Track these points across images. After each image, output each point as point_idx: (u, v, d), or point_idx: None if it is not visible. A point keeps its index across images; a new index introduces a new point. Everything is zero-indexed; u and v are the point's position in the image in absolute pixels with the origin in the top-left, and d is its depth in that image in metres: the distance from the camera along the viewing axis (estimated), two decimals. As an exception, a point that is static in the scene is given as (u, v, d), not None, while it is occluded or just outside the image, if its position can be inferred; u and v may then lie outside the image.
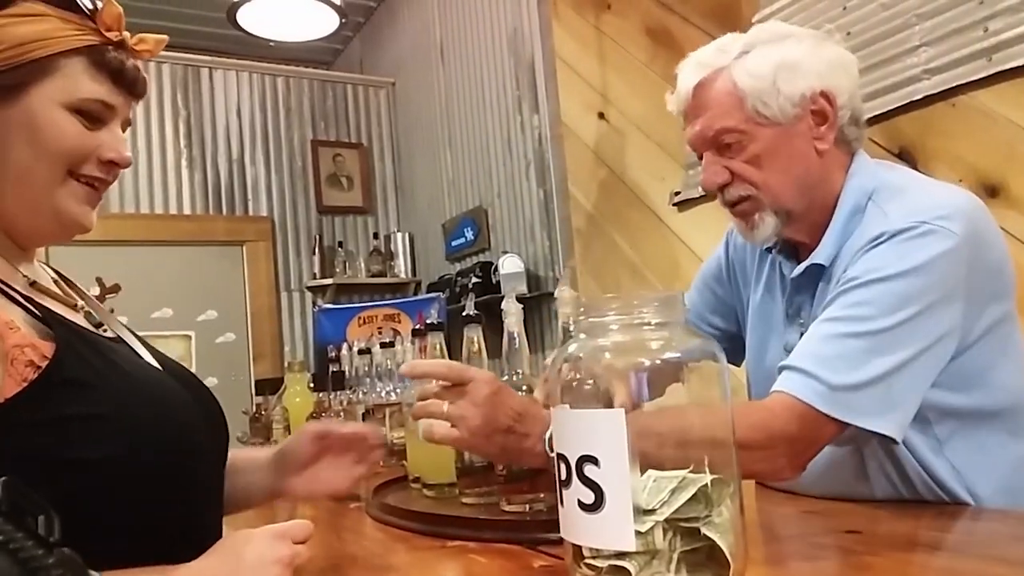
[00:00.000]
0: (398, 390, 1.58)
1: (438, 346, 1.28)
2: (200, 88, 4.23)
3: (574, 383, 0.68)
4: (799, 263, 1.07)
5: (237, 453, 0.96)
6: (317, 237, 4.33)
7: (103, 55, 0.75)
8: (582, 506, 0.62)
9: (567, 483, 0.64)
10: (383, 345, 1.83)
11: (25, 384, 0.63)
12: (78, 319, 0.77)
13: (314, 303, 4.17)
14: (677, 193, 2.58)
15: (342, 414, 1.65)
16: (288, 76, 4.47)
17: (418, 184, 4.43)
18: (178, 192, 4.11)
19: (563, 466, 0.64)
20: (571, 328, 0.78)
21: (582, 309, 0.71)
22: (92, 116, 0.75)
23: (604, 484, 0.61)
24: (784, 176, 1.03)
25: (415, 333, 1.49)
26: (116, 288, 3.96)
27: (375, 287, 4.26)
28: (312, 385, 1.80)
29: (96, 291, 3.91)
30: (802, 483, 1.01)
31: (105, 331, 0.81)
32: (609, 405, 0.63)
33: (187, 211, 4.13)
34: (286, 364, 2.40)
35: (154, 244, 4.04)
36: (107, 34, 0.75)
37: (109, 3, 0.76)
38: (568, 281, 0.90)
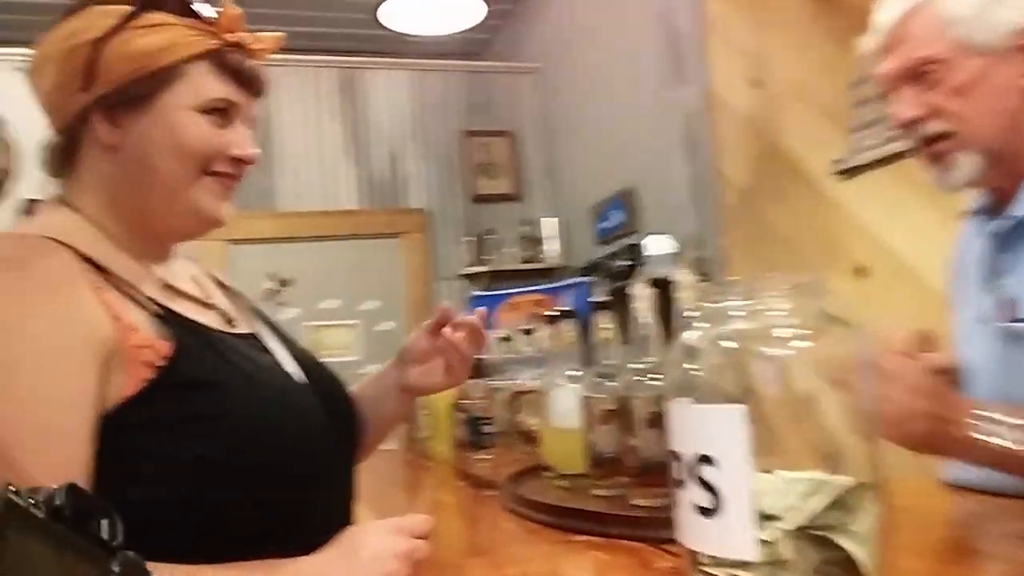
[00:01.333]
0: (536, 377, 1.57)
1: (573, 333, 1.25)
2: (356, 89, 4.43)
3: (690, 375, 0.62)
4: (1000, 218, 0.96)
5: (365, 380, 1.01)
6: (470, 226, 4.42)
7: (224, 57, 0.78)
8: (698, 509, 0.57)
9: (682, 484, 0.59)
10: (523, 332, 1.83)
11: (144, 384, 0.65)
12: (208, 318, 0.80)
13: (468, 291, 4.26)
14: (840, 161, 2.39)
15: (483, 402, 1.66)
16: (436, 70, 4.58)
17: (566, 168, 4.41)
18: (341, 189, 4.33)
19: (677, 465, 0.59)
20: (692, 315, 0.72)
21: (703, 294, 0.66)
22: (219, 116, 0.78)
23: (722, 487, 0.55)
24: (989, 110, 0.94)
25: (548, 320, 1.47)
26: (289, 281, 4.26)
27: (526, 273, 4.29)
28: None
29: (271, 285, 4.22)
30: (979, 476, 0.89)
31: (235, 328, 0.83)
32: (728, 400, 0.58)
33: (349, 206, 4.34)
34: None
35: (321, 239, 4.28)
36: (226, 36, 0.78)
37: (228, 6, 0.79)
38: (690, 263, 0.82)
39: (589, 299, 1.12)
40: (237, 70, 0.79)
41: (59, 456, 0.60)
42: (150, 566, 0.61)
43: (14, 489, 0.26)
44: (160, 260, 0.81)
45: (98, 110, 0.74)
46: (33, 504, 0.27)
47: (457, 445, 1.68)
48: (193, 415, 0.67)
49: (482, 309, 1.02)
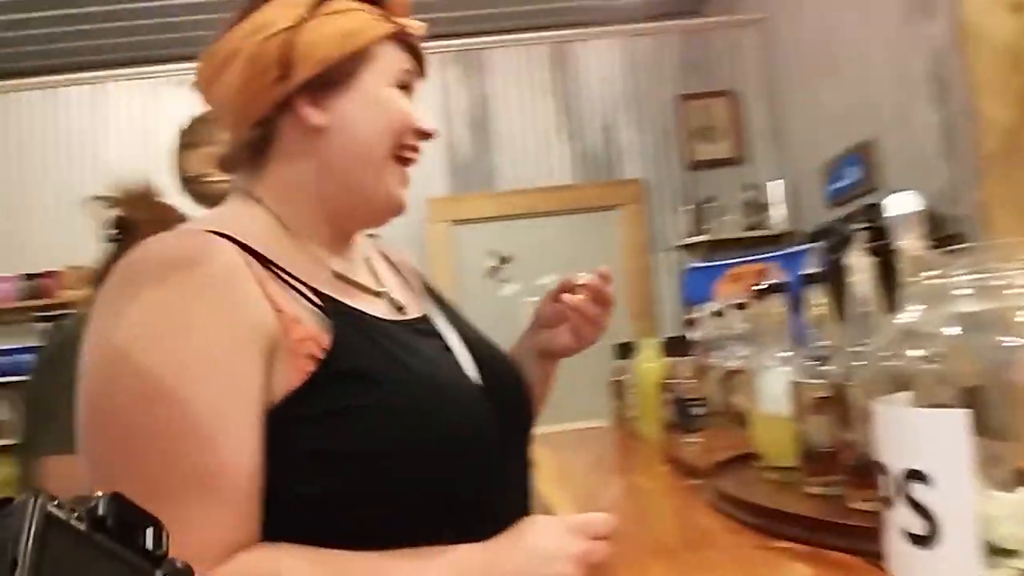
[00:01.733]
0: (748, 354, 1.45)
1: (782, 309, 1.12)
2: (567, 63, 4.40)
3: (901, 369, 0.51)
4: None
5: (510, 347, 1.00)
6: (688, 195, 4.24)
7: (404, 39, 0.81)
8: (908, 537, 0.46)
9: (890, 503, 0.48)
10: (736, 306, 1.70)
11: (306, 377, 0.66)
12: (375, 306, 0.79)
13: (687, 262, 4.10)
14: None
15: (692, 381, 1.56)
16: (649, 34, 4.42)
17: (794, 126, 4.07)
18: (556, 164, 4.35)
19: (884, 479, 0.49)
20: (911, 292, 0.60)
21: (928, 265, 0.54)
22: (404, 89, 0.81)
23: (938, 511, 0.44)
24: None
25: (756, 293, 1.34)
26: (509, 259, 4.37)
27: (749, 241, 4.03)
28: (665, 351, 1.74)
29: (493, 263, 4.35)
30: None
31: (405, 315, 0.83)
32: (948, 402, 0.46)
33: (565, 181, 4.35)
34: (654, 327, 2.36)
35: (539, 215, 4.34)
36: (400, 21, 0.80)
37: None
38: (915, 225, 0.69)
39: (805, 272, 0.99)
40: (416, 50, 0.82)
41: (235, 448, 0.62)
42: (318, 552, 0.63)
43: (54, 500, 0.25)
44: (339, 248, 0.82)
45: (302, 96, 0.76)
46: (74, 515, 0.26)
47: (665, 426, 1.60)
48: (350, 408, 0.66)
49: (604, 268, 0.95)
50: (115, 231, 1.32)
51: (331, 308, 0.71)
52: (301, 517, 0.65)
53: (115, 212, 1.35)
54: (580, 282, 0.94)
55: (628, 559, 0.77)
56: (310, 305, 0.71)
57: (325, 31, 0.75)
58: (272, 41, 0.75)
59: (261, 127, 0.77)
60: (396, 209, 0.82)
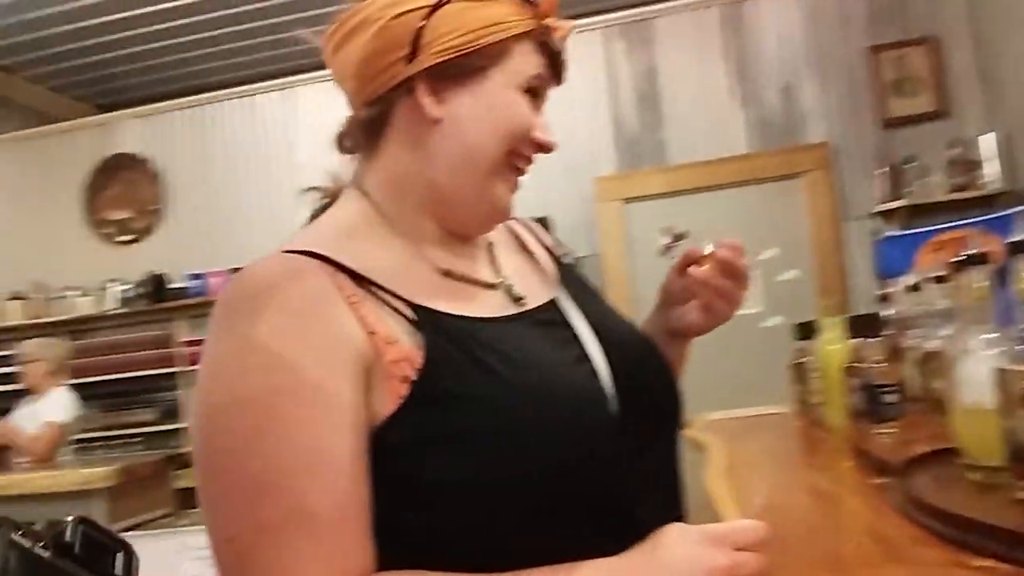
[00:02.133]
0: (949, 334, 1.27)
1: (985, 283, 0.97)
2: (742, 23, 4.15)
3: None
4: None
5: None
6: (882, 156, 3.86)
7: (549, 36, 0.75)
8: None
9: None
10: (935, 279, 1.51)
11: (400, 402, 0.62)
12: (487, 304, 0.74)
13: (883, 230, 3.74)
14: None
15: (883, 365, 1.40)
16: (834, -18, 4.07)
17: (1006, 72, 3.58)
18: (731, 133, 4.13)
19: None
20: None
21: None
22: (533, 98, 0.76)
23: None
24: None
25: (955, 265, 1.16)
26: (684, 235, 4.21)
27: (956, 204, 3.61)
28: (851, 330, 1.57)
29: (667, 240, 4.22)
30: None
31: (524, 305, 0.77)
32: None
33: (740, 151, 4.11)
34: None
35: (714, 189, 4.14)
36: (546, 21, 0.75)
37: None
38: None
39: (1008, 239, 0.84)
40: (555, 54, 0.76)
41: (335, 481, 0.60)
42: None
43: (18, 527, 0.24)
44: (448, 242, 0.77)
45: (424, 81, 0.72)
46: (40, 543, 0.24)
47: (852, 415, 1.45)
48: (445, 434, 0.62)
49: (732, 240, 0.84)
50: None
51: (426, 321, 0.67)
52: (414, 548, 0.62)
53: (325, 202, 1.42)
54: (706, 252, 0.85)
55: (786, 570, 0.69)
56: (404, 321, 0.67)
57: (464, 18, 0.71)
58: (407, 17, 0.71)
59: (377, 106, 0.74)
60: (499, 218, 0.79)
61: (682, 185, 4.15)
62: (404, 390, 0.63)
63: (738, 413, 2.07)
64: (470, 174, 0.74)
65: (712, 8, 4.17)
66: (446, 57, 0.71)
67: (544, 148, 0.76)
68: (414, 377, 0.63)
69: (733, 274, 0.83)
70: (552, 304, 0.79)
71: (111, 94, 5.40)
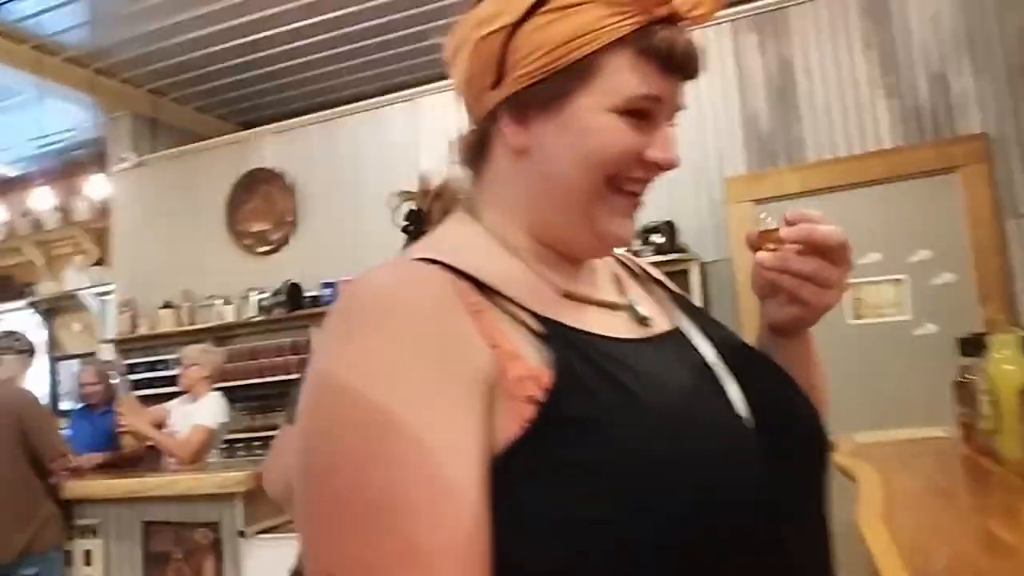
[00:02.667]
0: None
1: None
2: (886, 7, 3.85)
3: None
4: None
5: None
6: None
7: (650, 39, 0.63)
8: None
9: None
10: None
11: (526, 424, 0.55)
12: (614, 325, 0.67)
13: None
14: None
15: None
16: (991, -43, 3.70)
17: None
18: (874, 127, 3.84)
19: None
20: None
21: None
22: (639, 114, 0.64)
23: None
24: None
25: None
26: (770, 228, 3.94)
27: None
28: (1027, 347, 1.38)
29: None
30: None
31: (650, 329, 0.69)
32: None
33: (885, 145, 3.81)
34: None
35: (855, 187, 3.86)
36: (654, 10, 0.63)
37: None
38: None
39: None
40: (667, 53, 0.63)
41: (455, 514, 0.53)
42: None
43: None
44: (567, 267, 0.70)
45: (507, 109, 0.66)
46: None
47: (1033, 446, 1.27)
48: (571, 463, 0.54)
49: (799, 211, 0.68)
50: (407, 223, 1.37)
51: (555, 335, 0.60)
52: None
53: (409, 205, 1.41)
54: (766, 228, 0.70)
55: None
56: (531, 334, 0.61)
57: (547, 34, 0.63)
58: (492, 39, 0.65)
59: (478, 131, 0.70)
60: (610, 246, 0.70)
61: (820, 183, 3.89)
62: (530, 412, 0.56)
63: (891, 436, 1.87)
64: (564, 205, 0.66)
65: (851, -5, 3.89)
66: (524, 84, 0.64)
67: (662, 167, 0.66)
68: (542, 397, 0.56)
69: (817, 251, 0.68)
70: (677, 331, 0.71)
71: (250, 112, 5.71)
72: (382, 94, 4.87)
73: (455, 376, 0.56)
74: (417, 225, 1.44)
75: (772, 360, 0.72)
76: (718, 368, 0.66)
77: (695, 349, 0.69)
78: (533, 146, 0.66)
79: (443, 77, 0.77)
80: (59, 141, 5.90)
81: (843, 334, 3.60)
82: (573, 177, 0.65)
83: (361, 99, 4.94)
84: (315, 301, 4.81)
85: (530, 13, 0.63)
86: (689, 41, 0.64)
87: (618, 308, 0.70)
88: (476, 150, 0.71)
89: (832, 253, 0.68)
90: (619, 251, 0.81)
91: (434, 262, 0.61)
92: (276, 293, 4.92)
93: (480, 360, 0.57)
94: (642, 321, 0.70)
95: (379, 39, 4.74)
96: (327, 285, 4.78)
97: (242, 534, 2.96)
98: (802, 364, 0.76)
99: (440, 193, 1.44)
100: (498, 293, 0.62)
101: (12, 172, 6.38)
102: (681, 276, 3.85)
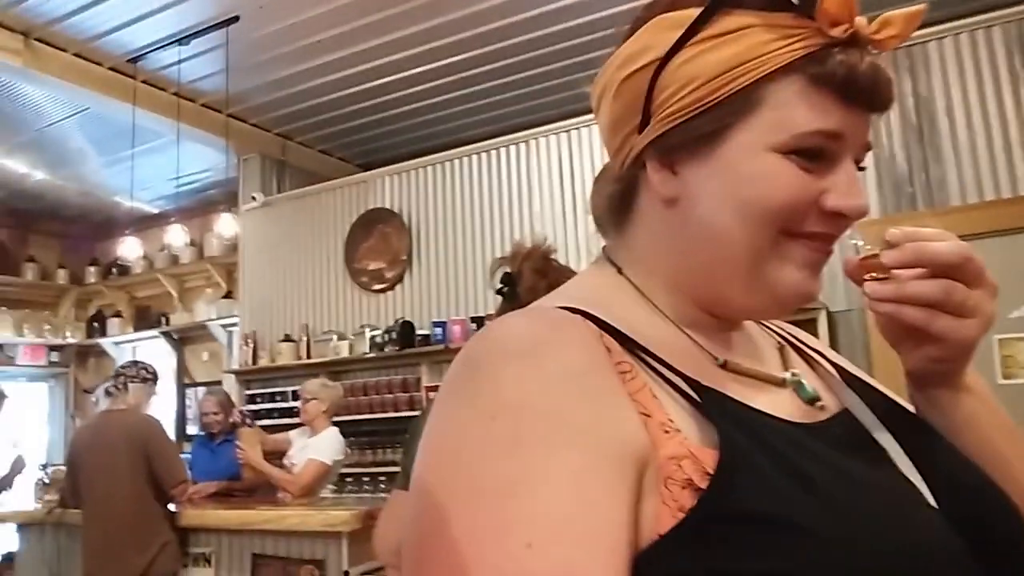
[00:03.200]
0: None
1: None
2: (1038, 39, 3.54)
3: None
4: None
5: None
6: None
7: (825, 63, 0.53)
8: None
9: None
10: None
11: (681, 516, 0.45)
12: (778, 404, 0.57)
13: None
14: None
15: None
16: None
17: None
18: (1026, 168, 3.51)
19: None
20: None
21: None
22: (813, 153, 0.54)
23: None
24: None
25: None
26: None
27: None
28: None
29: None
30: None
31: (819, 413, 0.59)
32: None
33: (1041, 188, 3.48)
34: None
35: (1005, 233, 3.53)
36: (831, 31, 0.53)
37: None
38: None
39: None
40: (847, 80, 0.53)
41: None
42: None
43: None
44: (722, 334, 0.62)
45: (654, 154, 0.58)
46: None
47: None
48: (745, 570, 0.43)
49: (903, 230, 0.55)
50: (502, 285, 1.33)
51: (718, 408, 0.51)
52: None
53: (504, 269, 1.38)
54: (866, 255, 0.56)
55: None
56: (688, 404, 0.51)
57: (699, 66, 0.54)
58: (637, 78, 0.57)
59: (623, 181, 0.62)
60: (793, 301, 0.57)
61: (964, 229, 3.52)
62: (688, 500, 0.46)
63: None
64: (724, 260, 0.56)
65: (994, 27, 3.60)
66: (674, 123, 0.55)
67: (847, 216, 0.55)
68: (702, 484, 0.46)
69: (941, 274, 0.54)
70: (846, 413, 0.60)
71: (370, 154, 5.89)
72: (495, 136, 4.90)
73: (604, 450, 0.46)
74: (511, 287, 1.39)
75: (962, 455, 0.58)
76: (906, 466, 0.55)
77: (869, 433, 0.58)
78: (684, 195, 0.57)
79: (554, 120, 0.69)
80: (195, 181, 6.28)
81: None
82: (734, 231, 0.55)
83: (474, 141, 4.99)
84: (426, 340, 4.85)
85: (680, 44, 0.55)
86: (875, 66, 0.53)
87: (784, 385, 0.60)
88: (621, 201, 0.63)
89: (959, 272, 0.54)
90: (775, 321, 0.70)
91: (577, 311, 0.53)
92: (388, 330, 4.99)
93: (631, 432, 0.48)
94: (811, 401, 0.59)
95: (491, 83, 4.79)
96: (437, 324, 4.81)
97: (347, 574, 2.95)
98: (974, 425, 0.61)
99: (530, 255, 1.37)
100: (649, 353, 0.53)
101: (153, 209, 6.82)
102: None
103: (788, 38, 0.53)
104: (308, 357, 5.31)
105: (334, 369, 5.17)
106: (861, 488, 0.50)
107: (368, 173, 5.41)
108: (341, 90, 4.90)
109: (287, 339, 5.40)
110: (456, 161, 4.98)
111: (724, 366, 0.58)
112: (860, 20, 0.53)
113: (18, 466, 4.09)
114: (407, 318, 4.96)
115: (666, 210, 0.59)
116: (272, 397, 5.42)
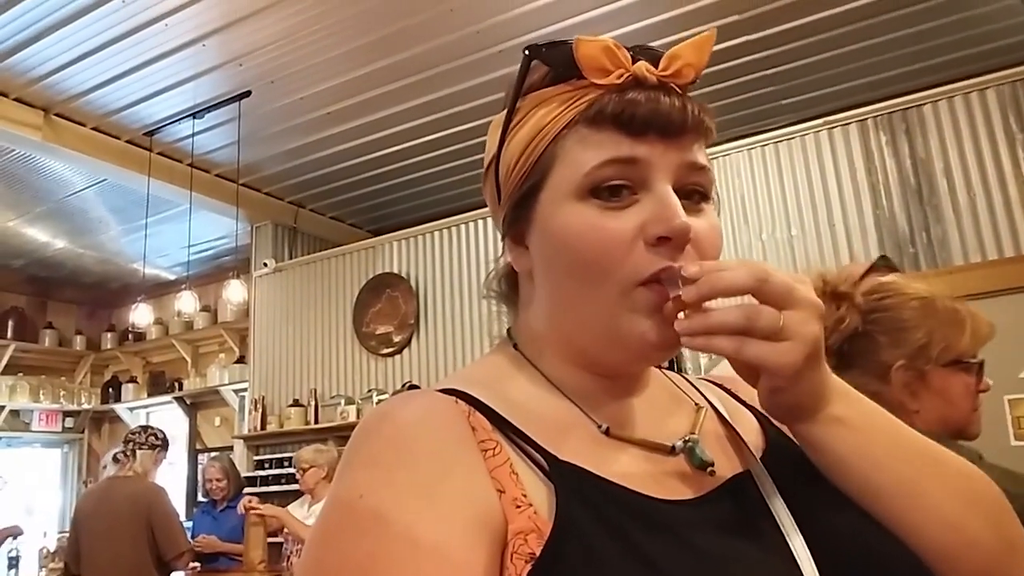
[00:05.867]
0: None
1: None
2: (1031, 101, 3.57)
3: None
4: None
5: None
6: None
7: (599, 107, 0.56)
8: None
9: None
10: None
11: None
12: (662, 471, 0.57)
13: None
14: None
15: None
16: None
17: None
18: (1028, 228, 3.50)
19: None
20: None
21: None
22: (612, 190, 0.55)
23: None
24: None
25: None
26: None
27: None
28: None
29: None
30: None
31: (712, 474, 0.58)
32: None
33: (1043, 247, 3.46)
34: None
35: (1008, 292, 3.50)
36: (602, 82, 0.56)
37: (586, 44, 0.55)
38: None
39: None
40: (623, 115, 0.55)
41: None
42: None
43: None
44: (617, 395, 0.62)
45: (507, 235, 0.64)
46: None
47: None
48: None
49: (713, 262, 0.55)
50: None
51: (564, 481, 0.51)
52: None
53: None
54: (674, 296, 0.54)
55: None
56: (542, 475, 0.52)
57: (510, 152, 0.61)
58: (489, 176, 0.64)
59: (506, 264, 0.68)
60: (646, 352, 0.56)
61: (971, 288, 3.55)
62: (525, 569, 0.47)
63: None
64: (583, 324, 0.58)
65: (988, 90, 3.64)
66: (508, 203, 0.62)
67: (671, 240, 0.54)
68: (537, 552, 0.47)
69: (758, 296, 0.52)
70: (749, 480, 0.59)
71: (380, 220, 6.00)
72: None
73: (455, 524, 0.48)
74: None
75: (878, 526, 0.56)
76: (791, 528, 0.54)
77: (764, 502, 0.57)
78: (534, 266, 0.61)
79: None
80: (209, 248, 6.40)
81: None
82: (567, 288, 0.58)
83: (480, 207, 5.06)
84: (433, 404, 4.83)
85: (502, 139, 0.61)
86: (659, 98, 0.55)
87: (674, 452, 0.59)
88: (507, 282, 0.69)
89: (760, 296, 0.52)
90: (721, 373, 0.71)
91: (454, 393, 0.56)
92: (396, 394, 4.97)
93: (485, 505, 0.49)
94: (701, 467, 0.58)
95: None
96: (444, 388, 4.80)
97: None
98: (853, 461, 0.56)
99: None
100: (514, 429, 0.55)
101: (169, 276, 6.95)
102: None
103: (569, 100, 0.57)
104: (316, 422, 5.30)
105: (342, 434, 5.15)
106: (719, 570, 0.49)
107: (376, 239, 5.49)
108: (350, 159, 5.02)
109: (296, 403, 5.40)
110: (462, 226, 5.05)
111: (607, 433, 0.58)
112: (641, 64, 0.56)
113: (12, 532, 4.09)
114: (414, 382, 4.96)
115: (529, 283, 0.63)
116: (280, 463, 5.40)
